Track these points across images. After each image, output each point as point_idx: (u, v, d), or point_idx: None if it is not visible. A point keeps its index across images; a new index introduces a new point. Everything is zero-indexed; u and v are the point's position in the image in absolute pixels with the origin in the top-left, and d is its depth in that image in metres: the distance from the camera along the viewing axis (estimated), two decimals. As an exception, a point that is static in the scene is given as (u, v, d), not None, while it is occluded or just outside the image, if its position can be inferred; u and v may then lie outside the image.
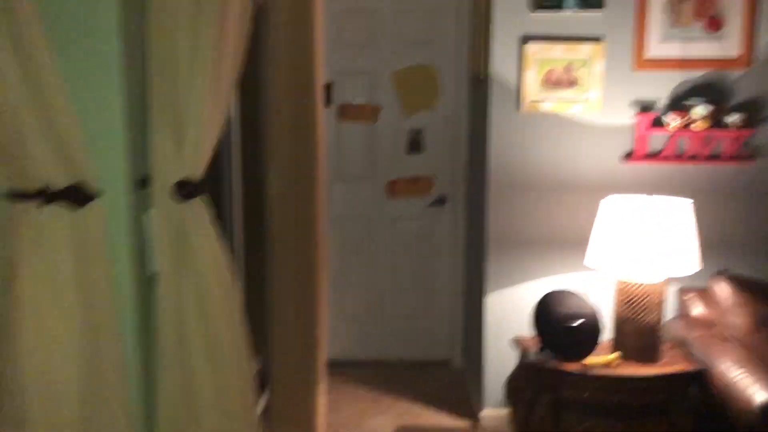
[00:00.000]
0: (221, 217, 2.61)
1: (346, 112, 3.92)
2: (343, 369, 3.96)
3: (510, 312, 3.19)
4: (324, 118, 3.67)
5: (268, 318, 2.80)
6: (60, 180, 1.09)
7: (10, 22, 1.05)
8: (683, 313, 3.11)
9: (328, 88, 3.88)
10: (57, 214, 1.10)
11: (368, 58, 3.87)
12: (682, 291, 3.13)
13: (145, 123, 1.25)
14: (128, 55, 1.22)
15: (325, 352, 2.93)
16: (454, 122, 3.87)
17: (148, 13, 1.25)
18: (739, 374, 2.52)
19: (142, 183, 1.27)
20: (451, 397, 3.67)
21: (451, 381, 3.88)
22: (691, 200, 2.74)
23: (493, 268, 3.21)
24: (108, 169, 1.19)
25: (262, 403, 3.01)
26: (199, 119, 1.23)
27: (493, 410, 3.29)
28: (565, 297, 2.81)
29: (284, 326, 2.75)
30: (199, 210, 1.26)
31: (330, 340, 4.07)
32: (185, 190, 1.23)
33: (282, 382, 2.80)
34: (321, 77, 2.75)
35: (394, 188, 3.98)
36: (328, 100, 3.88)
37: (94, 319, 1.19)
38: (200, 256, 1.25)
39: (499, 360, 3.22)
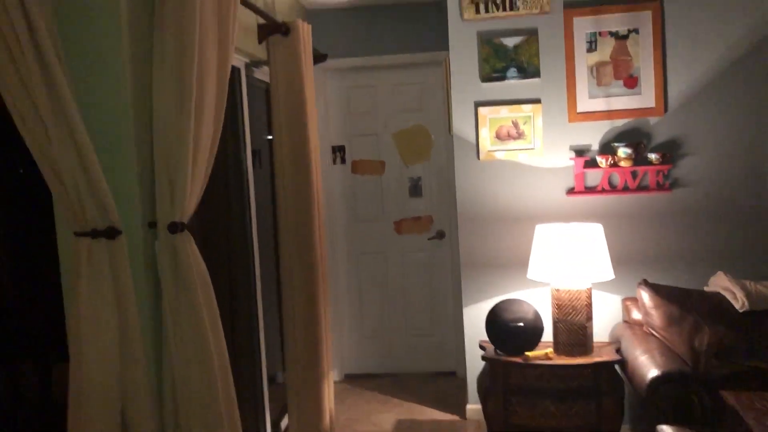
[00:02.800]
0: (245, 254, 3.53)
1: (358, 167, 4.82)
2: (362, 380, 4.77)
3: (483, 321, 3.91)
4: (332, 171, 4.58)
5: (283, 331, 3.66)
6: (101, 223, 2.00)
7: (59, 111, 1.93)
8: (626, 318, 3.76)
9: (342, 149, 4.79)
10: (101, 244, 2.01)
11: (373, 123, 4.79)
12: (624, 300, 3.78)
13: (153, 182, 2.16)
14: (138, 134, 2.13)
15: (329, 356, 3.76)
16: (446, 170, 4.69)
17: (152, 98, 2.15)
18: (644, 359, 3.18)
19: (154, 224, 2.18)
20: (450, 400, 4.39)
21: (454, 387, 4.60)
22: (601, 225, 3.45)
23: (467, 286, 3.97)
24: (131, 217, 2.10)
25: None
26: (184, 181, 2.14)
27: (475, 405, 4.00)
28: (511, 305, 3.55)
29: (292, 335, 3.60)
30: (185, 240, 2.15)
31: (352, 357, 4.92)
32: (174, 227, 2.12)
33: (293, 379, 3.64)
34: (315, 138, 3.64)
35: (400, 226, 4.82)
36: (343, 159, 4.80)
37: (123, 307, 2.08)
38: (185, 266, 2.15)
39: (478, 362, 3.92)
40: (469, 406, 4.07)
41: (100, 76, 2.07)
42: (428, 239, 4.80)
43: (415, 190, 4.79)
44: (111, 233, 2.01)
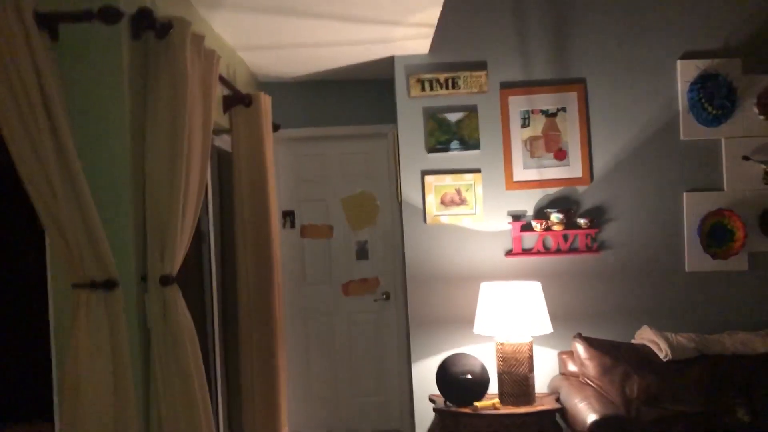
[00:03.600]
0: (203, 303, 3.64)
1: (306, 231, 5.03)
2: (311, 439, 4.85)
3: (431, 376, 4.11)
4: (282, 235, 4.77)
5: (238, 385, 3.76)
6: (100, 276, 2.14)
7: (66, 172, 2.09)
8: (562, 370, 4.05)
9: (292, 213, 5.01)
10: (99, 296, 2.14)
11: (322, 189, 5.04)
12: (560, 353, 4.08)
13: (144, 237, 2.33)
14: (134, 191, 2.30)
15: (285, 413, 3.86)
16: (391, 234, 4.96)
17: (145, 166, 2.34)
18: (583, 405, 3.45)
19: (144, 277, 2.33)
20: (398, 456, 4.53)
21: (401, 445, 4.75)
22: (539, 282, 3.78)
23: (415, 342, 4.19)
24: (126, 270, 2.25)
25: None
26: (174, 236, 2.31)
27: (424, 458, 4.17)
28: (459, 358, 3.78)
29: (250, 393, 3.69)
30: (175, 292, 2.31)
31: (297, 418, 4.99)
32: (164, 280, 2.28)
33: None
34: (274, 204, 3.85)
35: (347, 288, 5.02)
36: (292, 224, 5.01)
37: (118, 356, 2.19)
38: (174, 318, 2.29)
39: (426, 416, 4.10)
40: (418, 461, 4.22)
41: (101, 137, 2.25)
42: (374, 300, 5.02)
43: (362, 253, 5.03)
44: (109, 285, 2.14)
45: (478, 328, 3.78)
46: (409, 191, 4.21)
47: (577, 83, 4.15)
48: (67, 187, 2.06)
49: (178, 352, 2.28)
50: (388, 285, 5.02)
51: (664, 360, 3.73)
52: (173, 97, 2.36)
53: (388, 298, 5.01)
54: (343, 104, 4.96)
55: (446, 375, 3.74)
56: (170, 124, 2.35)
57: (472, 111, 4.17)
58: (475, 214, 4.17)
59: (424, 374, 4.15)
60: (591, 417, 3.30)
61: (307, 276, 5.05)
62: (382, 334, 5.04)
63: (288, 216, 5.01)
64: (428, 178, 4.17)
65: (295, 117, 4.92)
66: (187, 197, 2.41)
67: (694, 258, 4.10)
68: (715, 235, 4.09)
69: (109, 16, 2.12)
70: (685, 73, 4.10)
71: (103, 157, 2.25)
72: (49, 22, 2.11)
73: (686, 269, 4.12)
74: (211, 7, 3.18)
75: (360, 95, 4.94)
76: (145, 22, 2.29)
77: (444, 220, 4.17)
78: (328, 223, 5.05)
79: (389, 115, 4.87)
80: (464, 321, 4.08)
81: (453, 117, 4.17)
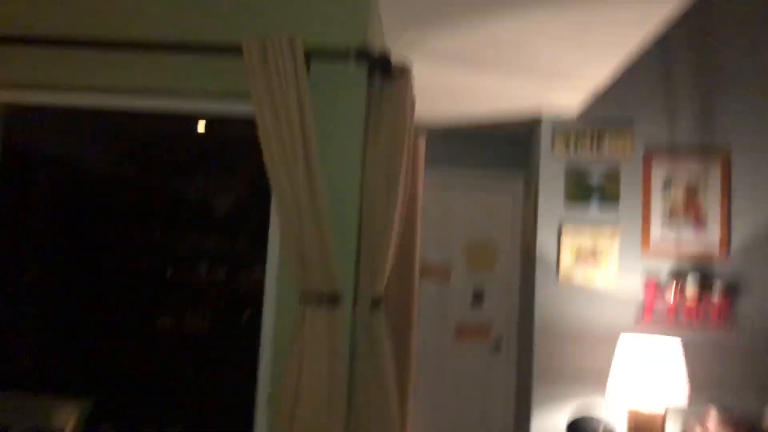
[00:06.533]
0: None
1: (425, 269, 5.14)
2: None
3: (553, 430, 4.12)
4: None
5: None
6: (327, 289, 2.27)
7: (311, 191, 2.26)
8: (686, 437, 4.01)
9: (413, 253, 5.13)
10: (323, 310, 2.27)
11: (443, 231, 5.16)
12: (686, 420, 4.04)
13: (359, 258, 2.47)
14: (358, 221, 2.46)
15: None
16: (508, 285, 5.03)
17: (363, 197, 2.50)
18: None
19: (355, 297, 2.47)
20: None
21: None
22: (680, 341, 3.76)
23: (538, 396, 4.21)
24: (346, 287, 2.38)
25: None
26: (383, 260, 2.44)
27: None
28: (587, 422, 3.79)
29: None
30: (379, 317, 2.43)
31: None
32: (374, 304, 2.41)
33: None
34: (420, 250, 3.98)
35: (460, 332, 5.09)
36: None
37: (334, 370, 2.30)
38: (379, 340, 2.41)
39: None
40: None
41: (338, 165, 2.43)
42: (486, 348, 5.06)
43: (477, 299, 5.11)
44: (333, 300, 2.26)
45: (610, 391, 3.78)
46: (544, 246, 4.29)
47: (722, 150, 4.19)
48: (311, 208, 2.22)
49: (382, 372, 2.39)
50: (499, 333, 5.06)
51: (802, 443, 3.67)
52: (394, 136, 2.51)
53: (498, 347, 5.04)
54: (472, 150, 5.13)
55: (577, 432, 3.75)
56: (389, 160, 2.50)
57: (614, 171, 4.25)
58: (608, 274, 4.21)
59: (546, 427, 4.16)
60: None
61: (421, 316, 5.14)
62: (490, 385, 5.06)
63: (409, 255, 5.13)
64: (565, 234, 4.24)
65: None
66: (395, 227, 2.55)
67: (831, 342, 4.04)
68: None
69: (363, 57, 2.30)
70: (835, 158, 4.12)
71: (337, 184, 2.41)
72: (306, 58, 2.30)
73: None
74: (405, 50, 3.31)
75: (490, 142, 5.10)
76: (382, 66, 2.46)
77: (577, 277, 4.23)
78: (446, 264, 5.15)
79: (518, 164, 5.01)
80: (591, 378, 4.10)
81: (595, 174, 4.27)
